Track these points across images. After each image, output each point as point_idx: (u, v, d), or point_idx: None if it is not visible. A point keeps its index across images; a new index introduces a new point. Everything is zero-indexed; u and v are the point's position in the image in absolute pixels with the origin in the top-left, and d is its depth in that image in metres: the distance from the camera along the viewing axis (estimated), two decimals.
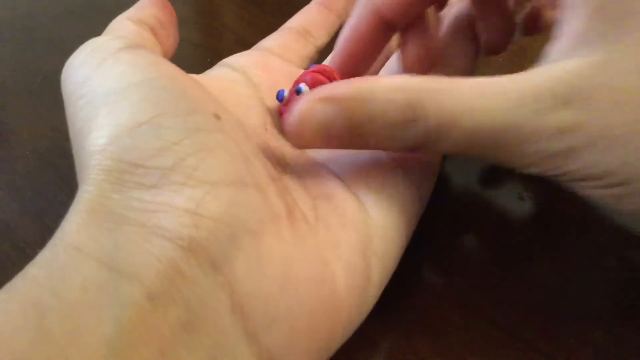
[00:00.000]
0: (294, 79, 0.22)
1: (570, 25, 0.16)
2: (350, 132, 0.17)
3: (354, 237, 0.17)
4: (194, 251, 0.13)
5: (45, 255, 0.13)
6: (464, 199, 0.24)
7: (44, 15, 0.37)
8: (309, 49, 0.25)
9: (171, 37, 0.20)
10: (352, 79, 0.17)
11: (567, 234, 0.22)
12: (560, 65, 0.16)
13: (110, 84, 0.15)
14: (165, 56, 0.19)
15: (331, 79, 0.20)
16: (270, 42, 0.24)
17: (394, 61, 0.24)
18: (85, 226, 0.13)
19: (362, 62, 0.22)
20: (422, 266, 0.21)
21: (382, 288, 0.18)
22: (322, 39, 0.26)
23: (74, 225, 0.13)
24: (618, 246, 0.21)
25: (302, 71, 0.23)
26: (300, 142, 0.17)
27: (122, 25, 0.19)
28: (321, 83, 0.20)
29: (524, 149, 0.16)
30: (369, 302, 0.17)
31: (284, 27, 0.25)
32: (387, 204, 0.18)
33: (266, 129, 0.20)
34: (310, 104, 0.17)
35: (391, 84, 0.16)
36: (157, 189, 0.14)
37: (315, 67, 0.21)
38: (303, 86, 0.20)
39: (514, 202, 0.23)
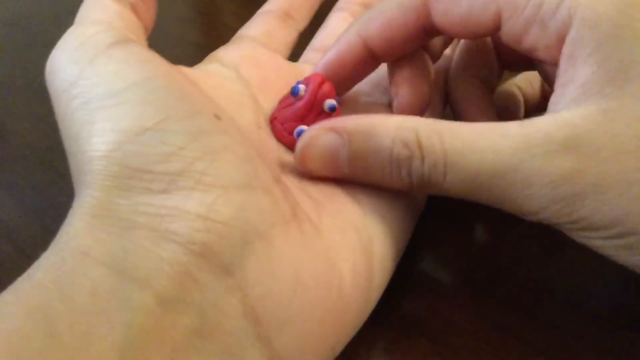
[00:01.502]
0: (284, 73, 0.22)
1: (577, 75, 0.16)
2: (353, 162, 0.17)
3: (356, 239, 0.17)
4: (206, 256, 0.13)
5: (50, 260, 0.13)
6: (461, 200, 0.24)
7: (44, 15, 0.37)
8: (292, 35, 0.25)
9: (151, 10, 0.19)
10: (360, 115, 0.18)
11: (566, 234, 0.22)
12: (566, 113, 0.16)
13: (106, 84, 0.15)
14: (146, 31, 0.19)
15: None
16: (254, 30, 0.24)
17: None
18: (91, 231, 0.13)
19: (341, 86, 0.21)
20: (422, 266, 0.21)
21: (383, 289, 0.18)
22: (303, 22, 0.25)
23: (80, 230, 0.13)
24: None
25: (289, 63, 0.23)
26: (304, 165, 0.18)
27: (102, 4, 0.18)
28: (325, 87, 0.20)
29: (527, 193, 0.15)
30: (371, 304, 0.17)
31: (264, 11, 0.25)
32: (385, 207, 0.18)
33: (259, 127, 0.19)
34: (319, 132, 0.18)
35: (394, 123, 0.17)
36: (166, 194, 0.14)
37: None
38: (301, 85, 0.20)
39: None
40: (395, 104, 0.21)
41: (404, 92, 0.21)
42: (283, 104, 0.20)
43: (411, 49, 0.21)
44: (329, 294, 0.15)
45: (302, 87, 0.20)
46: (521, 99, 0.25)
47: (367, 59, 0.20)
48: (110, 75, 0.15)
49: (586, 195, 0.15)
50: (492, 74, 0.23)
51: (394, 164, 0.17)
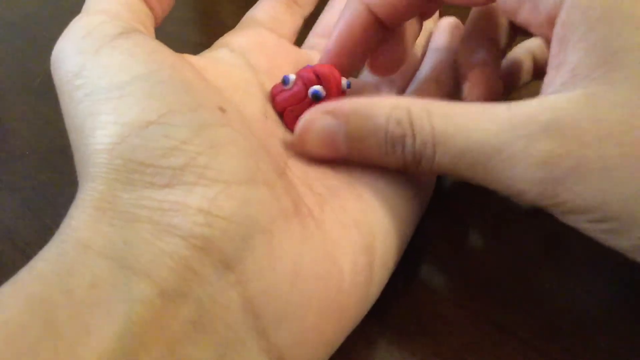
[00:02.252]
0: (291, 59, 0.22)
1: (567, 59, 0.16)
2: (350, 143, 0.18)
3: (358, 235, 0.17)
4: (207, 250, 0.13)
5: (52, 251, 0.13)
6: (464, 198, 0.24)
7: (44, 15, 0.37)
8: (298, 21, 0.25)
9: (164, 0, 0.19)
10: (355, 97, 0.19)
11: (567, 233, 0.22)
12: (552, 97, 0.16)
13: (110, 77, 0.15)
14: (157, 20, 0.19)
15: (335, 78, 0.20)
16: (260, 13, 0.24)
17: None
18: (94, 223, 0.13)
19: (356, 58, 0.22)
20: (422, 266, 0.21)
21: (383, 286, 0.18)
22: (308, 7, 0.26)
23: (82, 223, 0.13)
24: None
25: (296, 49, 0.24)
26: (304, 147, 0.19)
27: None
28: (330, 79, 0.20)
29: (511, 174, 0.16)
30: (370, 300, 0.17)
31: None
32: (389, 205, 0.18)
33: (266, 117, 0.19)
34: (317, 115, 0.18)
35: (388, 103, 0.18)
36: (169, 188, 0.14)
37: (319, 65, 0.21)
38: (320, 88, 0.20)
39: (514, 202, 0.23)
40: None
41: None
42: (293, 100, 0.20)
43: (414, 13, 0.21)
44: (329, 289, 0.15)
45: (319, 88, 0.20)
46: (528, 65, 0.25)
47: (373, 27, 0.21)
48: (115, 67, 0.15)
49: (566, 179, 0.15)
50: (501, 36, 0.23)
51: (389, 143, 0.17)
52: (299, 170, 0.18)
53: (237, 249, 0.14)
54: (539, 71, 0.25)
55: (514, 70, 0.25)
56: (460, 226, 0.23)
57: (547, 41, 0.17)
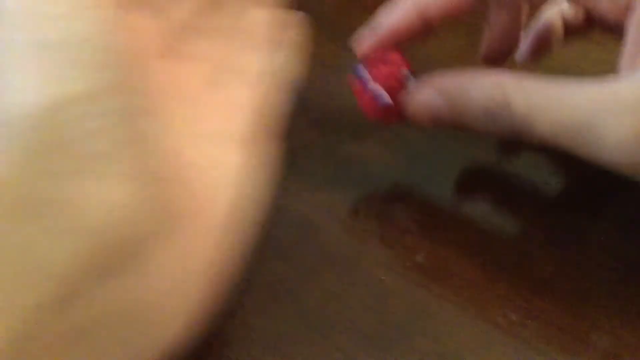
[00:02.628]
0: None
1: None
2: (452, 115, 0.20)
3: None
4: (108, 250, 0.13)
5: None
6: (464, 199, 0.24)
7: None
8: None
9: None
10: (456, 72, 0.21)
11: (567, 234, 0.22)
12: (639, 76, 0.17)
13: (42, 32, 0.12)
14: None
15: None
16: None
17: None
18: None
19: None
20: (421, 265, 0.21)
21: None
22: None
23: None
24: (618, 246, 0.21)
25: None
26: (416, 118, 0.21)
27: None
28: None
29: (604, 148, 0.17)
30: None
31: None
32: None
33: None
34: (424, 90, 0.21)
35: (486, 79, 0.19)
36: (78, 178, 0.12)
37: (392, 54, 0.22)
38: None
39: (514, 202, 0.23)
40: (485, 45, 0.24)
41: (495, 37, 0.24)
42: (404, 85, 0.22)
43: (464, 13, 0.22)
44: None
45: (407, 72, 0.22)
46: (557, 26, 0.26)
47: (420, 28, 0.22)
48: (49, 20, 0.12)
49: None
50: None
51: (488, 117, 0.19)
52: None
53: (136, 250, 0.13)
54: (569, 32, 0.26)
55: (546, 33, 0.26)
56: (460, 226, 0.23)
57: (620, 26, 0.19)
